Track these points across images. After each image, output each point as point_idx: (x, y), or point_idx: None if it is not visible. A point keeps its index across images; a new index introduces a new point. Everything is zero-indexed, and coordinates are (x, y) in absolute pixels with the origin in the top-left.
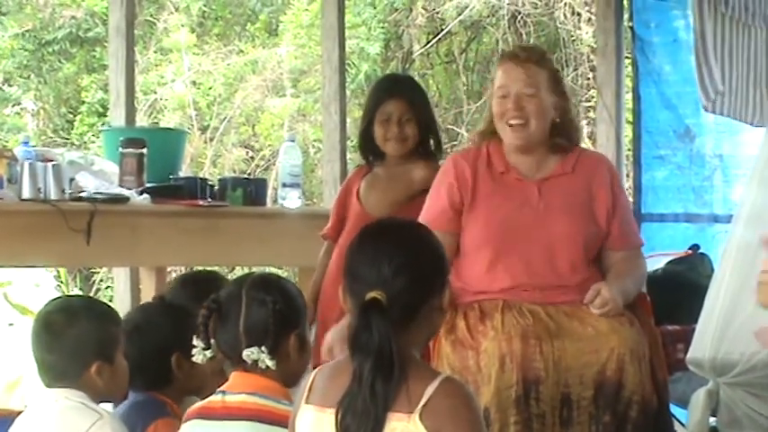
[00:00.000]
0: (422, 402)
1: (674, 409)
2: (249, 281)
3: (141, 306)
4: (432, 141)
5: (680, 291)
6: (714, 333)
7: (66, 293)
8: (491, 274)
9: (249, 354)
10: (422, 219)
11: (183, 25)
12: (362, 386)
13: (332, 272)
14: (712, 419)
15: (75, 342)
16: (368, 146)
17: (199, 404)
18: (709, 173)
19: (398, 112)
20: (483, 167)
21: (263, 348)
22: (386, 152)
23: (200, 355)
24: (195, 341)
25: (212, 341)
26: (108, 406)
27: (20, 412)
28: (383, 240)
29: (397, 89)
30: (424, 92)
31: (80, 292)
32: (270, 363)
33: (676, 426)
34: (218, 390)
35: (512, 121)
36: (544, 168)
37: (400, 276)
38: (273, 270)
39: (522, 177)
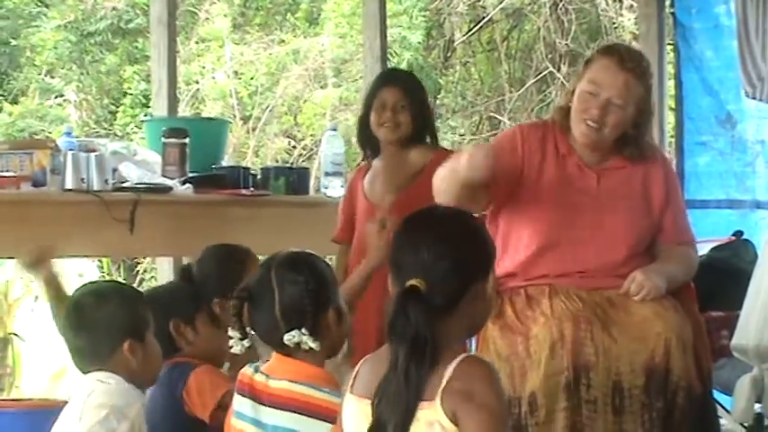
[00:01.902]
0: (442, 386)
1: (719, 396)
2: (276, 263)
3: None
4: (427, 134)
5: (724, 277)
6: (758, 319)
7: (127, 284)
8: (541, 259)
9: (291, 338)
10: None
11: (224, 15)
12: (397, 373)
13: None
14: (757, 406)
15: (104, 322)
16: (364, 134)
17: (242, 377)
18: (752, 159)
19: (393, 99)
20: (551, 144)
21: (303, 330)
22: (379, 138)
23: (237, 345)
24: (231, 332)
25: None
26: None
27: (65, 403)
28: (425, 227)
29: (393, 78)
30: (422, 85)
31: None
32: (313, 344)
33: (721, 412)
34: (261, 370)
35: (589, 122)
36: (606, 161)
37: (441, 262)
38: None
39: (582, 164)
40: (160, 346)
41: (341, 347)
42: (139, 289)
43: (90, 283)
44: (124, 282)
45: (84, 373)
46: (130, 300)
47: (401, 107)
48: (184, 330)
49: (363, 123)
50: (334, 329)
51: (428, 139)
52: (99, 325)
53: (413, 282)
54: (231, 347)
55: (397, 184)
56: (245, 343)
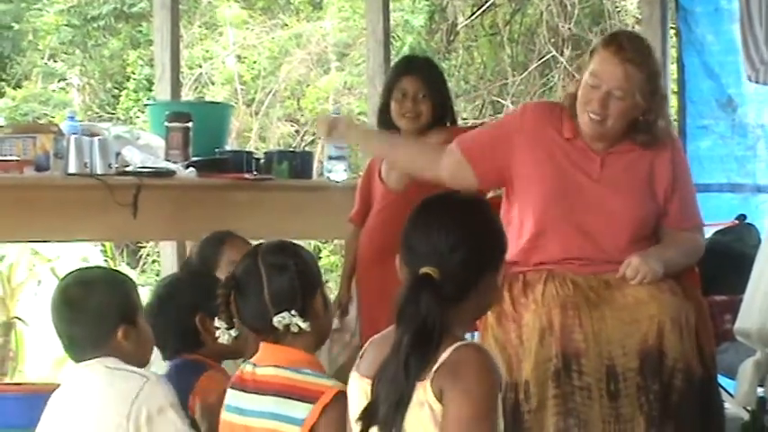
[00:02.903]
0: (434, 368)
1: (722, 380)
2: (262, 250)
3: (164, 278)
4: (447, 122)
5: (727, 261)
6: (762, 303)
7: (113, 268)
8: (542, 244)
9: (280, 320)
10: (476, 133)
11: None
12: (399, 357)
13: (363, 256)
14: (760, 390)
15: (97, 310)
16: (385, 123)
17: (239, 371)
18: (753, 143)
19: (414, 89)
20: (554, 126)
21: (292, 312)
22: (400, 128)
23: (224, 335)
24: (217, 322)
25: (235, 319)
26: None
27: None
28: (442, 214)
29: (413, 67)
30: (441, 72)
31: (127, 267)
32: (303, 325)
33: (724, 396)
34: (250, 361)
35: (592, 115)
36: (612, 146)
37: (456, 252)
38: (318, 243)
39: (587, 147)
40: (182, 342)
41: (328, 335)
42: (150, 276)
43: (74, 270)
44: (108, 267)
45: (78, 361)
46: (119, 285)
47: (422, 97)
48: (210, 325)
49: (383, 113)
50: (322, 314)
51: (447, 123)
52: (91, 314)
53: (427, 270)
54: (218, 338)
55: None
56: (233, 332)
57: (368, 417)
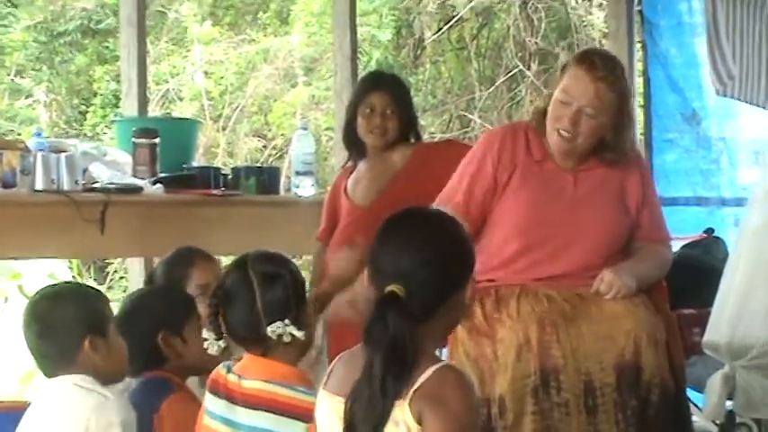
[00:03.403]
0: (413, 388)
1: (691, 393)
2: (251, 260)
3: (129, 294)
4: (412, 138)
5: (695, 274)
6: (730, 316)
7: (84, 284)
8: (518, 264)
9: (275, 329)
10: (453, 185)
11: (194, 15)
12: (372, 379)
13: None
14: (729, 403)
15: (62, 322)
16: (351, 139)
17: (222, 377)
18: (716, 156)
19: (382, 105)
20: (522, 151)
21: (286, 321)
22: (367, 143)
23: (213, 346)
24: (206, 333)
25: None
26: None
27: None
28: (408, 231)
29: (381, 83)
30: (407, 89)
31: (95, 283)
32: (298, 334)
33: (693, 410)
34: (234, 370)
35: (562, 132)
36: (581, 163)
37: (421, 270)
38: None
39: (558, 166)
40: (146, 358)
41: (310, 345)
42: (117, 293)
43: (45, 287)
44: (79, 282)
45: (49, 377)
46: (85, 297)
47: (390, 112)
48: (174, 342)
49: (350, 127)
50: (313, 326)
51: (412, 138)
52: (57, 326)
53: (392, 288)
54: (206, 349)
55: (379, 186)
56: (221, 343)
57: None
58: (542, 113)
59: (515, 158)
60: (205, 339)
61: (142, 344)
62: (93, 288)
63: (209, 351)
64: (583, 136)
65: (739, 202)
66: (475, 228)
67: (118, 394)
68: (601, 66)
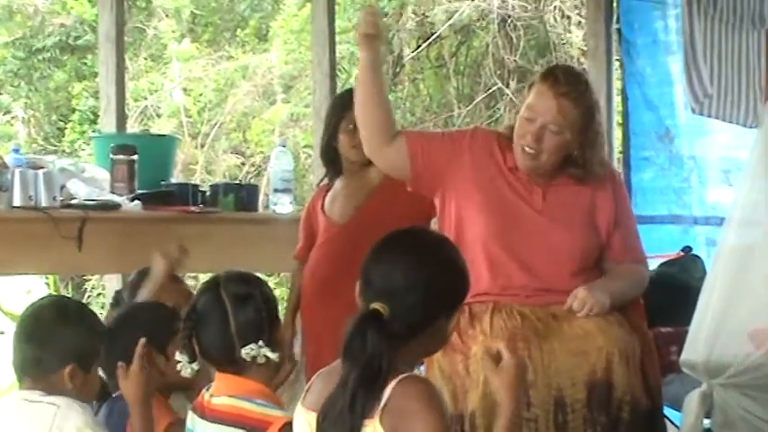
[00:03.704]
0: (381, 404)
1: (668, 412)
2: (224, 281)
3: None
4: None
5: (672, 293)
6: (707, 335)
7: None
8: (486, 276)
9: (249, 351)
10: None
11: (173, 31)
12: (344, 394)
13: (306, 290)
14: (706, 421)
15: (59, 338)
16: (329, 156)
17: (200, 397)
18: (687, 174)
19: None
20: (498, 153)
21: (260, 343)
22: (349, 159)
23: (186, 368)
24: (179, 356)
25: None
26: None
27: None
28: (405, 252)
29: None
30: None
31: None
32: (272, 355)
33: (670, 428)
34: (207, 389)
35: (526, 148)
36: (552, 178)
37: (412, 293)
38: (264, 276)
39: (529, 179)
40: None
41: (285, 365)
42: (95, 309)
43: (53, 296)
44: (88, 306)
45: (19, 382)
46: (90, 328)
47: None
48: (156, 360)
49: (328, 144)
50: (284, 345)
51: None
52: (51, 341)
53: (376, 305)
54: (179, 371)
55: (357, 203)
56: (194, 366)
57: None
58: (512, 129)
59: (493, 156)
60: (178, 362)
61: (125, 360)
62: (98, 320)
63: (183, 373)
64: (547, 152)
65: (708, 221)
66: (416, 176)
67: (69, 401)
68: (563, 81)
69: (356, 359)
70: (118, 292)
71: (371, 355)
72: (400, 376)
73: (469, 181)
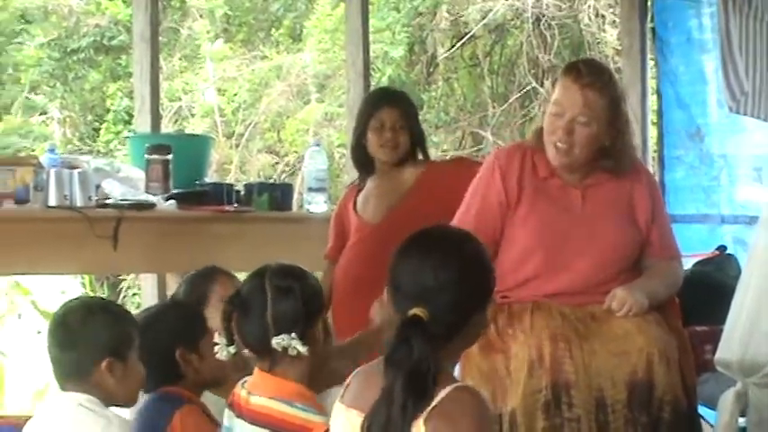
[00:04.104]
0: (430, 407)
1: (703, 411)
2: (270, 272)
3: (144, 309)
4: (420, 155)
5: (707, 292)
6: (742, 333)
7: (116, 303)
8: (530, 283)
9: (279, 341)
10: (461, 216)
11: (207, 31)
12: (392, 401)
13: (338, 289)
14: (741, 420)
15: (88, 337)
16: (360, 156)
17: (234, 393)
18: (717, 173)
19: (392, 120)
20: (528, 168)
21: (292, 335)
22: (378, 158)
23: (223, 351)
24: (217, 338)
25: (236, 337)
26: (123, 412)
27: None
28: (430, 252)
29: (391, 99)
30: (415, 105)
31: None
32: (302, 349)
33: (705, 427)
34: (245, 386)
35: (558, 144)
36: (588, 176)
37: (445, 293)
38: None
39: (565, 183)
40: (162, 374)
41: (324, 365)
42: (130, 309)
43: (76, 298)
44: (111, 300)
45: (62, 388)
46: (117, 318)
47: (400, 127)
48: (190, 358)
49: (359, 144)
50: (321, 341)
51: (420, 155)
52: (82, 341)
53: (416, 311)
54: (216, 353)
55: (390, 203)
56: (231, 349)
57: None
58: (540, 133)
59: (522, 179)
60: (216, 344)
61: (158, 360)
62: (124, 309)
63: (218, 356)
64: (579, 146)
65: (737, 220)
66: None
67: (120, 417)
68: (586, 72)
69: (400, 366)
70: (174, 294)
71: (417, 361)
72: (456, 384)
73: (510, 207)
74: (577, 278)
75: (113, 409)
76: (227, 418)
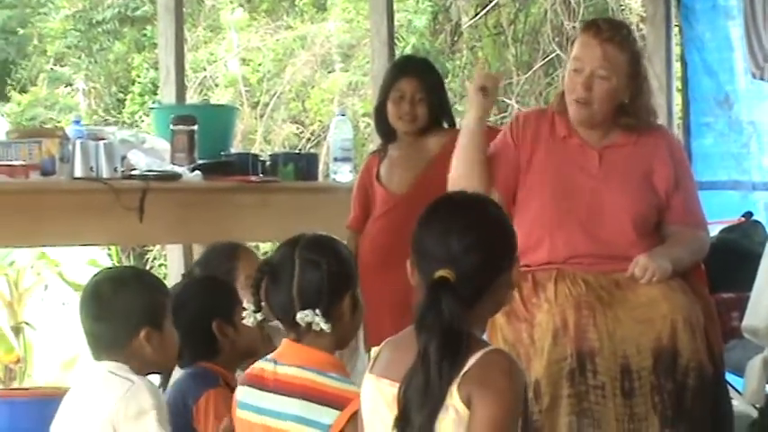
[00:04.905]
0: (462, 372)
1: (730, 377)
2: (302, 243)
3: (175, 285)
4: (444, 119)
5: (734, 258)
6: None
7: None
8: (546, 244)
9: (303, 317)
10: None
11: (231, 2)
12: (429, 365)
13: (365, 261)
14: None
15: (123, 308)
16: (382, 125)
17: (252, 369)
18: (746, 140)
19: (411, 91)
20: (546, 129)
21: (316, 311)
22: (397, 129)
23: (250, 317)
24: (245, 304)
25: (263, 304)
26: (154, 378)
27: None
28: (453, 216)
29: (410, 69)
30: (439, 73)
31: None
32: (324, 326)
33: (732, 394)
34: (270, 357)
35: (577, 98)
36: (607, 137)
37: (470, 254)
38: None
39: (584, 143)
40: (198, 348)
41: (352, 338)
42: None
43: (108, 268)
44: (142, 268)
45: (97, 359)
46: (149, 287)
47: (419, 99)
48: (227, 330)
49: (380, 113)
50: (348, 317)
51: (445, 124)
52: (117, 312)
53: (442, 273)
54: (243, 319)
55: (415, 173)
56: (258, 316)
57: (401, 426)
58: (562, 95)
59: (539, 136)
60: (244, 309)
61: (195, 334)
62: (156, 278)
63: (245, 322)
64: (598, 101)
65: (767, 187)
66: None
67: (147, 382)
68: (605, 28)
69: (433, 329)
70: (189, 270)
71: (449, 322)
72: (488, 348)
73: (530, 165)
74: (593, 240)
75: (151, 377)
76: (244, 394)
